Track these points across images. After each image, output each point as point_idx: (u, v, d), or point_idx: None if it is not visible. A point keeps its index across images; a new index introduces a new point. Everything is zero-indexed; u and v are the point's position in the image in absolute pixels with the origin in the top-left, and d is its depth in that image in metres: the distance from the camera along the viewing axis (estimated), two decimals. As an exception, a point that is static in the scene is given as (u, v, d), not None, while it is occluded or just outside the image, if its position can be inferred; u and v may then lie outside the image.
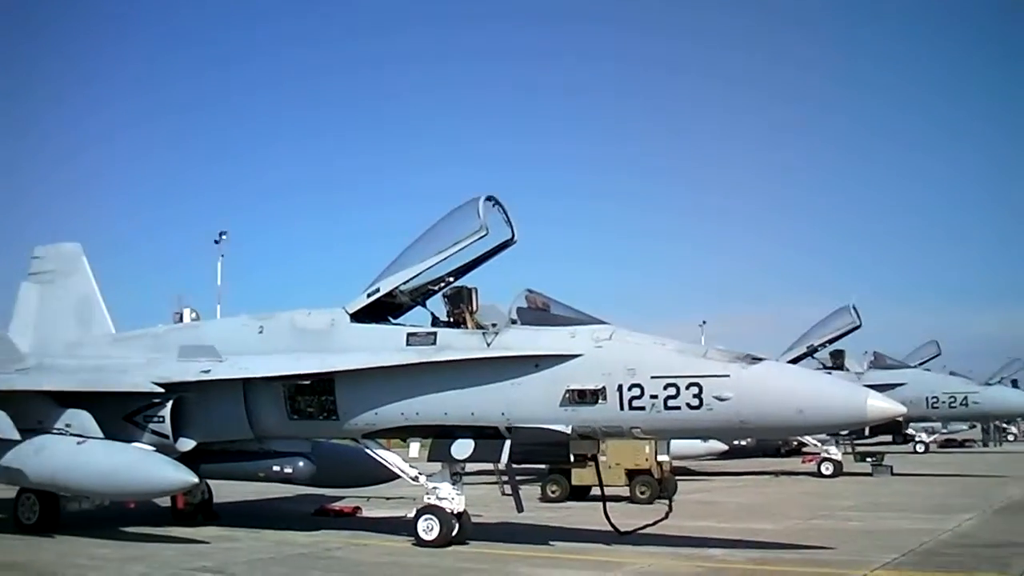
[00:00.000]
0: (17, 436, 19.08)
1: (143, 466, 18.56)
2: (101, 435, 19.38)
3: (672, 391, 15.98)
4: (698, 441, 33.88)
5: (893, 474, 39.96)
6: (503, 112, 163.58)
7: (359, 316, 19.02)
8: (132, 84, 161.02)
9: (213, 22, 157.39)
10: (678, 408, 15.96)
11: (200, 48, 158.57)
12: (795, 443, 48.29)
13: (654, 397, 16.09)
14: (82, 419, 19.61)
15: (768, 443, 48.15)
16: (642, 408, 16.21)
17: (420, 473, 18.70)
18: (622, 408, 16.36)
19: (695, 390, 15.83)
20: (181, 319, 23.92)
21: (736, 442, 39.32)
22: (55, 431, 19.70)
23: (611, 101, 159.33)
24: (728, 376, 15.72)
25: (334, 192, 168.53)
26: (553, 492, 29.42)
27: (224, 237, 53.25)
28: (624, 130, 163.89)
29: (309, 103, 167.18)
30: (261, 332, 20.16)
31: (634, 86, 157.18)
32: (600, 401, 16.46)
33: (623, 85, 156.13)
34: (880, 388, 23.36)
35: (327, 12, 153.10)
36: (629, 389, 16.28)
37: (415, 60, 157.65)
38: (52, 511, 20.29)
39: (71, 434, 19.53)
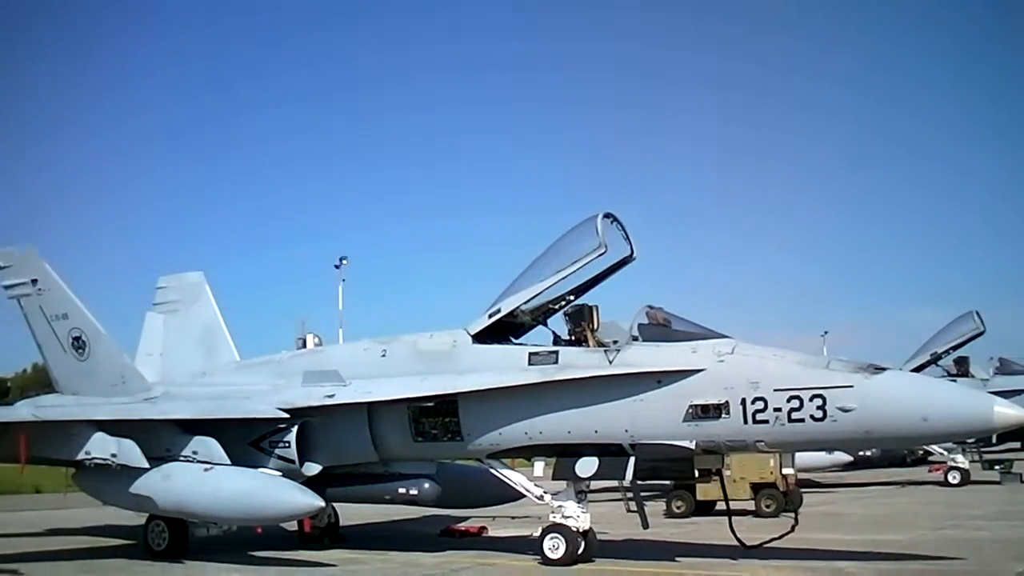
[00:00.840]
0: (146, 464, 19.97)
1: (270, 491, 19.40)
2: (228, 461, 20.25)
3: (796, 403, 16.42)
4: (822, 453, 34.16)
5: (1022, 482, 39.56)
6: (624, 130, 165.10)
7: (481, 337, 19.68)
8: (252, 114, 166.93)
9: (341, 43, 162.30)
10: (802, 420, 16.40)
11: (318, 73, 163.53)
12: (921, 452, 47.78)
13: (778, 410, 16.55)
14: (209, 446, 20.47)
15: (893, 453, 47.82)
16: (766, 421, 16.68)
17: (545, 492, 19.22)
18: (746, 422, 16.83)
19: (819, 402, 16.26)
20: (304, 344, 24.72)
21: (861, 453, 39.26)
22: (182, 458, 20.59)
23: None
24: (851, 387, 16.10)
25: (451, 215, 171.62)
26: (678, 508, 29.95)
27: (344, 262, 54.52)
28: (742, 136, 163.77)
29: (430, 127, 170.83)
30: (384, 355, 20.88)
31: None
32: (723, 415, 16.96)
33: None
34: (1007, 395, 23.37)
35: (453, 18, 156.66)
36: (752, 403, 16.74)
37: (534, 68, 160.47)
38: (181, 537, 21.18)
39: (198, 461, 20.40)
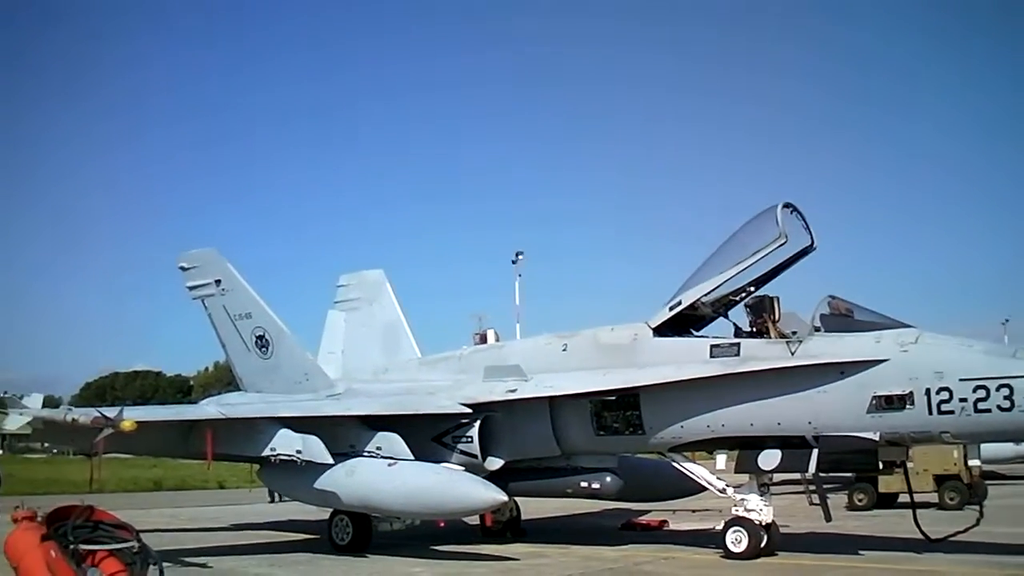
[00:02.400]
0: (330, 460, 20.84)
1: (453, 486, 20.33)
2: (411, 456, 21.24)
3: (982, 393, 16.98)
4: (1009, 444, 34.05)
5: None
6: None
7: (662, 330, 20.60)
8: (423, 111, 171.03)
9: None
10: (988, 411, 16.95)
11: (489, 66, 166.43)
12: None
13: (963, 400, 17.13)
14: (392, 441, 21.54)
15: None
16: (951, 412, 17.26)
17: (727, 485, 20.21)
18: (931, 412, 17.42)
19: (1005, 391, 16.82)
20: (484, 340, 25.57)
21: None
22: (366, 454, 21.67)
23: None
24: None
25: (629, 208, 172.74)
26: (860, 500, 30.60)
27: (521, 257, 55.46)
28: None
29: (611, 118, 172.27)
30: (565, 350, 21.92)
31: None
32: (908, 406, 17.57)
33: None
34: None
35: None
36: (937, 393, 17.33)
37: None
38: (364, 532, 22.36)
39: (382, 456, 21.46)
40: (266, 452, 21.38)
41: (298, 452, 20.96)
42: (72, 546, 11.39)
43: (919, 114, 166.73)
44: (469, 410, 22.02)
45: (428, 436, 22.22)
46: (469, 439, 21.95)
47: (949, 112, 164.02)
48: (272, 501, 38.95)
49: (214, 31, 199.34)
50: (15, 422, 20.26)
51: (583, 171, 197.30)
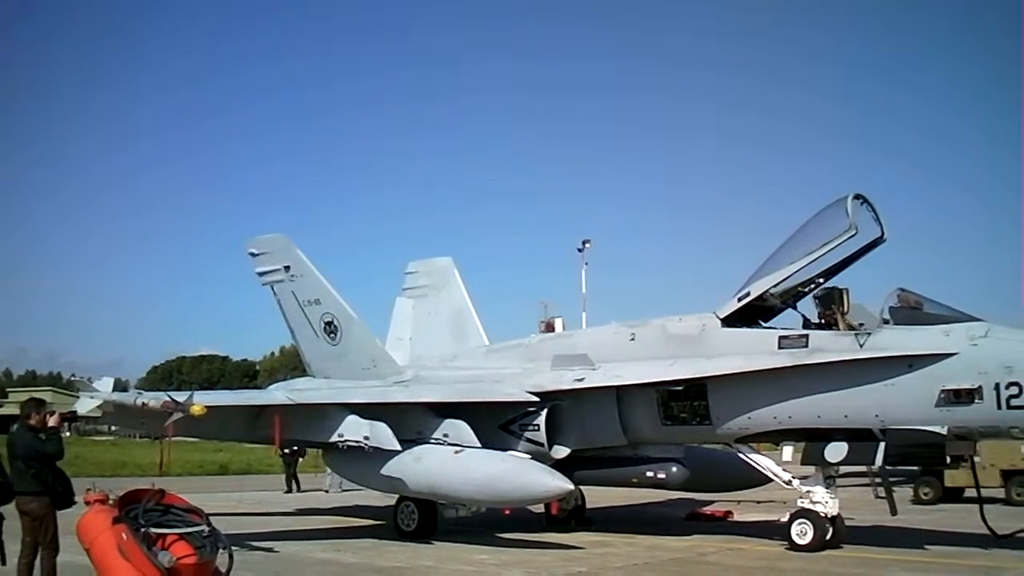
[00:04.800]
0: (398, 446, 21.16)
1: (520, 474, 20.56)
2: (478, 444, 21.52)
3: None
4: None
5: None
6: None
7: (730, 320, 20.78)
8: (491, 100, 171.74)
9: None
10: None
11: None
12: None
13: None
14: (459, 429, 21.84)
15: None
16: (1021, 407, 17.32)
17: (793, 476, 20.37)
18: (1000, 407, 17.48)
19: None
20: (551, 328, 26.00)
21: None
22: (433, 441, 21.96)
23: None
24: None
25: (694, 197, 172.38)
26: (926, 494, 30.68)
27: (587, 245, 55.53)
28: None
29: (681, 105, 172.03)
30: (633, 339, 22.12)
31: None
32: (976, 401, 17.62)
33: None
34: None
35: None
36: (1007, 388, 17.39)
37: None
38: (430, 518, 22.68)
39: (448, 443, 21.76)
40: (334, 438, 21.78)
41: (366, 438, 21.31)
42: (143, 529, 11.64)
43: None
44: (536, 398, 22.20)
45: (495, 424, 22.45)
46: (536, 427, 22.14)
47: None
48: (288, 491, 39.41)
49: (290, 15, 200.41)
50: (86, 405, 20.85)
51: (652, 159, 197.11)
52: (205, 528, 12.13)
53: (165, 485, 13.32)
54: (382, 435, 21.24)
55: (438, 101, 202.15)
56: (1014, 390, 17.34)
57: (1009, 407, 17.41)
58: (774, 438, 21.06)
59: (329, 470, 34.42)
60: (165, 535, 11.77)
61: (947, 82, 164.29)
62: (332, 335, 28.24)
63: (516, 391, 22.53)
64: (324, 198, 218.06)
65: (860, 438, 18.98)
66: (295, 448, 35.27)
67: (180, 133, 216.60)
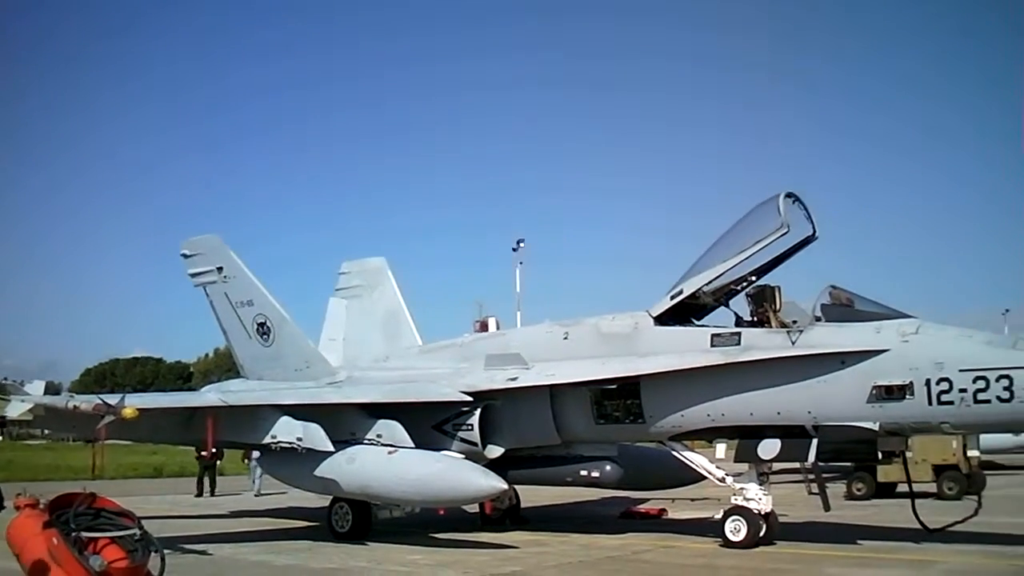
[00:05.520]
0: (331, 447, 20.96)
1: (454, 474, 20.34)
2: (411, 444, 21.31)
3: (982, 384, 17.03)
4: (1008, 434, 34.45)
5: None
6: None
7: (663, 319, 20.64)
8: (424, 101, 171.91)
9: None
10: (988, 401, 17.00)
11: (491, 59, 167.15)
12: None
13: (963, 391, 17.18)
14: (393, 429, 21.62)
15: None
16: (951, 403, 17.31)
17: (726, 474, 20.24)
18: (930, 403, 17.47)
19: (1005, 382, 16.85)
20: (484, 328, 25.78)
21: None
22: (367, 442, 21.73)
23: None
24: None
25: (630, 197, 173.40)
26: (859, 490, 30.95)
27: (522, 245, 55.54)
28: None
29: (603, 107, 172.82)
30: (566, 338, 21.95)
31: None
32: (908, 396, 17.60)
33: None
34: None
35: None
36: (937, 383, 17.38)
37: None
38: (364, 519, 22.44)
39: (382, 444, 21.52)
40: (267, 440, 21.60)
41: (299, 440, 21.17)
42: (74, 533, 11.33)
43: (916, 108, 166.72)
44: (470, 398, 22.07)
45: (429, 424, 22.28)
46: (469, 427, 22.02)
47: (947, 105, 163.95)
48: (199, 495, 38.88)
49: (219, 28, 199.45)
50: (17, 408, 20.41)
51: (583, 160, 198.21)
52: (137, 531, 11.78)
53: (99, 489, 13.02)
54: (315, 436, 21.13)
55: (371, 103, 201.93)
56: (944, 386, 17.34)
57: (939, 402, 17.41)
58: (707, 436, 20.87)
59: (251, 472, 34.25)
60: (96, 539, 11.43)
61: (946, 82, 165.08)
62: (265, 336, 27.98)
63: (449, 391, 22.35)
64: (257, 198, 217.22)
65: (793, 435, 18.91)
66: (214, 451, 34.68)
67: (112, 133, 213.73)
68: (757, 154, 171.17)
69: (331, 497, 22.80)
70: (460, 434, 22.17)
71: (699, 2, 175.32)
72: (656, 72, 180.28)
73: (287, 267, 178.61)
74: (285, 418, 21.55)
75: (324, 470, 21.47)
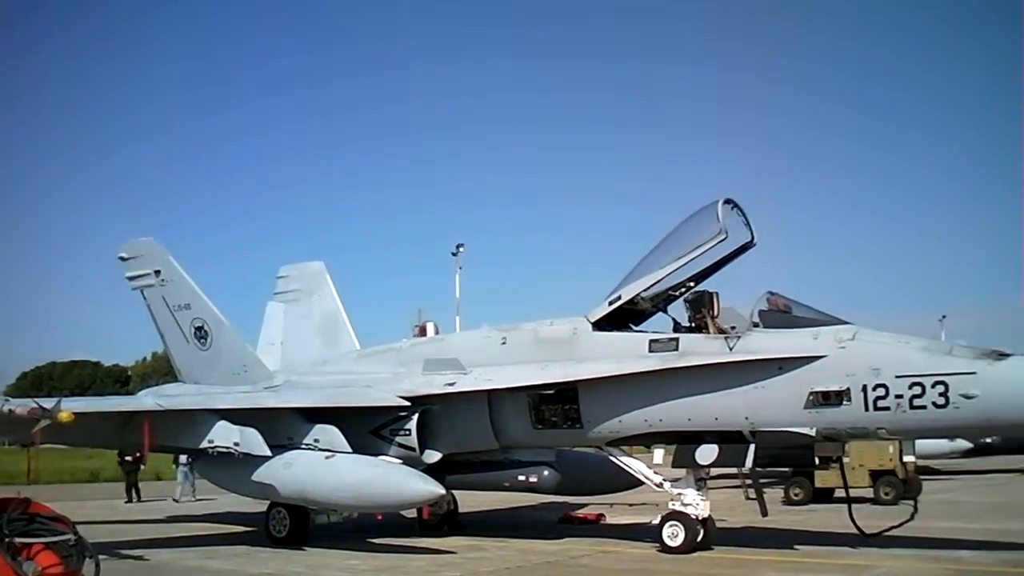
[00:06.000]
0: (268, 452, 21.04)
1: (391, 479, 20.35)
2: (349, 449, 21.30)
3: (918, 390, 16.99)
4: (943, 440, 34.91)
5: None
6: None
7: (601, 324, 20.54)
8: (369, 105, 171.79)
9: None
10: (924, 407, 16.96)
11: (431, 63, 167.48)
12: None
13: (899, 397, 17.13)
14: (330, 434, 21.57)
15: (1015, 440, 47.67)
16: (887, 408, 17.27)
17: (664, 479, 20.13)
18: (867, 409, 17.43)
19: (941, 388, 16.80)
20: (423, 332, 25.53)
21: (982, 440, 39.59)
22: (304, 446, 21.70)
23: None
24: (974, 373, 16.61)
25: (569, 200, 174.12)
26: (796, 495, 31.05)
27: (461, 249, 55.51)
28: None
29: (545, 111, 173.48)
30: (504, 343, 21.85)
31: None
32: (845, 402, 17.56)
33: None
34: None
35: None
36: (874, 389, 17.34)
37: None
38: (302, 524, 22.25)
39: (320, 449, 21.49)
40: (204, 444, 21.58)
41: (236, 444, 21.26)
42: (7, 539, 11.20)
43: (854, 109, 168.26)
44: (407, 403, 21.95)
45: (366, 429, 22.17)
46: (407, 432, 21.88)
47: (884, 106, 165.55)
48: (128, 501, 38.39)
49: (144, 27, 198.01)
50: (-50, 413, 20.00)
51: (526, 165, 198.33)
52: (72, 537, 11.66)
53: (34, 494, 12.88)
54: (252, 441, 21.17)
55: (310, 103, 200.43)
56: (880, 391, 17.30)
57: (876, 408, 17.36)
58: (645, 441, 20.54)
59: (179, 479, 33.78)
60: (30, 545, 11.30)
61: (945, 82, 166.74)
62: (202, 340, 27.80)
63: (387, 396, 22.22)
64: (195, 202, 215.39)
65: (731, 440, 18.84)
66: (138, 455, 34.15)
67: (48, 136, 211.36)
68: (701, 154, 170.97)
69: (268, 502, 22.57)
70: (398, 439, 22.02)
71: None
72: (599, 72, 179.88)
73: (226, 271, 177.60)
74: (222, 422, 21.49)
75: (261, 475, 21.32)
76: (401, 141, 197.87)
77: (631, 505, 27.91)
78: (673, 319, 20.42)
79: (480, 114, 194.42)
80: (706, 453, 18.97)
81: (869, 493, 29.75)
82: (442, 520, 24.57)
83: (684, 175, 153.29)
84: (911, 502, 21.19)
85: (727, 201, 19.40)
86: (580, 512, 26.80)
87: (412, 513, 24.41)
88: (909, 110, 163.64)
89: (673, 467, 19.86)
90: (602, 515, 26.40)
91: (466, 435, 21.90)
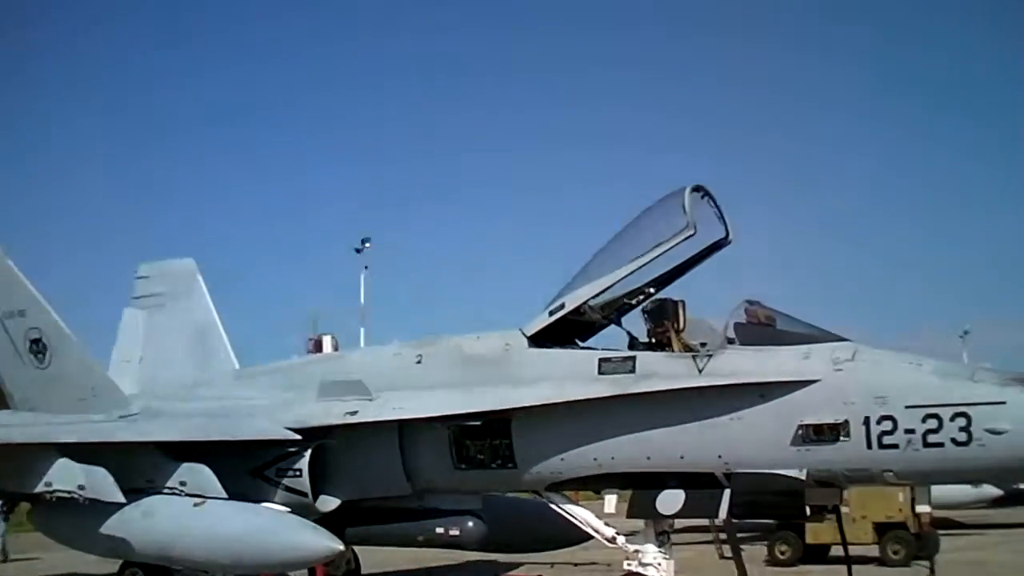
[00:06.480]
0: (121, 498, 20.69)
1: (276, 531, 20.21)
2: (224, 494, 21.03)
3: (933, 423, 16.67)
4: (966, 486, 34.36)
5: None
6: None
7: (540, 339, 20.29)
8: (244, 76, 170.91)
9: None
10: (941, 445, 16.64)
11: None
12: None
13: (910, 432, 16.82)
14: (200, 475, 21.31)
15: None
16: (895, 446, 16.96)
17: (618, 532, 19.86)
18: (870, 446, 17.13)
19: (962, 422, 16.50)
20: (319, 348, 25.45)
21: (1014, 485, 39.53)
22: (167, 491, 21.44)
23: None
24: (1003, 403, 16.37)
25: (505, 184, 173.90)
26: (783, 553, 31.19)
27: (367, 245, 54.99)
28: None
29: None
30: (419, 362, 21.62)
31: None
32: (842, 438, 17.24)
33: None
34: None
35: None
36: (878, 422, 17.03)
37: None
38: None
39: (187, 494, 21.21)
40: (40, 488, 21.20)
41: (80, 488, 20.81)
42: None
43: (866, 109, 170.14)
44: (298, 436, 21.54)
45: (246, 468, 21.93)
46: (297, 473, 21.53)
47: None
48: (4, 560, 37.93)
49: None
50: None
51: (450, 144, 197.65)
52: None
53: None
54: (101, 484, 20.76)
55: (174, 85, 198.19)
56: (887, 425, 17.00)
57: (881, 445, 17.07)
58: (594, 484, 20.31)
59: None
60: None
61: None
62: (40, 356, 27.01)
63: (272, 427, 21.86)
64: (36, 193, 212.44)
65: (700, 485, 18.59)
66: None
67: None
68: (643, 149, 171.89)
69: (121, 562, 22.56)
70: (285, 481, 21.70)
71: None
72: (517, 63, 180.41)
73: (72, 270, 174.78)
74: (63, 460, 21.13)
75: (113, 527, 21.08)
76: (280, 114, 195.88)
77: (577, 565, 28.13)
78: (629, 333, 20.33)
79: (399, 83, 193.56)
80: (669, 500, 18.76)
81: (874, 551, 29.95)
82: (341, 583, 24.15)
83: (654, 151, 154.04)
84: (926, 563, 21.37)
85: (696, 189, 19.23)
86: (515, 572, 26.79)
87: (303, 574, 24.15)
88: (931, 111, 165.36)
89: (629, 517, 19.58)
90: (541, 576, 26.28)
91: (371, 477, 21.58)
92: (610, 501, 20.06)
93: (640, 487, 19.24)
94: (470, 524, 21.42)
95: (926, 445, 16.75)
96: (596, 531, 20.25)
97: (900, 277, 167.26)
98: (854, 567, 20.96)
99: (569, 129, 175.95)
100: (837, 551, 24.28)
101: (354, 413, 21.38)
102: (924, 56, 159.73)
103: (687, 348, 18.90)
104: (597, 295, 19.96)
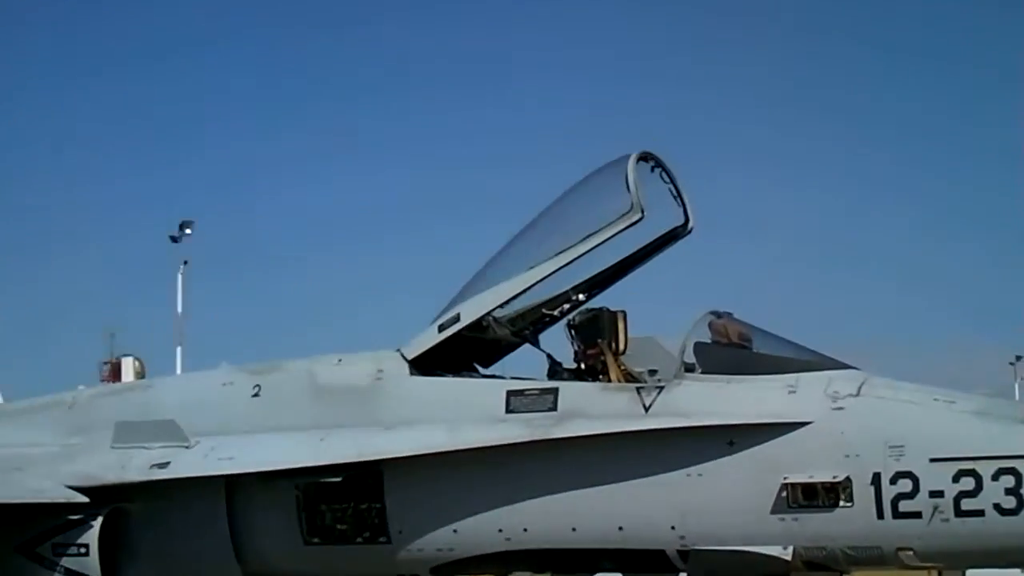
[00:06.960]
0: None
1: None
2: None
3: (969, 483, 15.66)
4: (1013, 570, 33.92)
5: None
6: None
7: (426, 364, 19.21)
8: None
9: None
10: (980, 513, 15.65)
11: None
12: None
13: (937, 495, 15.77)
14: None
15: None
16: (916, 514, 15.91)
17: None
18: (881, 515, 16.09)
19: (1009, 481, 15.54)
20: (117, 375, 24.22)
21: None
22: None
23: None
24: None
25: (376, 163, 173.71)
26: (762, 664, 29.93)
27: (187, 232, 53.37)
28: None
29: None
30: (257, 395, 20.49)
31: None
32: (842, 503, 16.25)
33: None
34: None
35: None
36: (893, 482, 16.00)
37: None
38: None
39: None
40: None
41: None
42: None
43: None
44: (84, 498, 20.29)
45: (10, 544, 20.89)
46: (82, 550, 20.31)
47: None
48: None
49: None
50: None
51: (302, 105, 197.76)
52: None
53: None
54: None
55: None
56: (905, 485, 15.95)
57: (897, 514, 16.02)
58: (499, 566, 19.42)
59: None
60: None
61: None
62: None
63: (48, 486, 20.65)
64: None
65: (647, 567, 17.82)
66: None
67: None
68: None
69: None
70: (65, 562, 20.59)
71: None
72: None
73: None
74: None
75: None
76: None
77: None
78: (549, 357, 19.46)
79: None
80: None
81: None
82: None
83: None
84: None
85: (645, 157, 18.21)
86: None
87: None
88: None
89: (548, 613, 18.84)
90: None
91: (188, 554, 20.58)
92: (522, 590, 19.06)
93: (563, 571, 18.67)
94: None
95: (959, 514, 15.82)
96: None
97: (938, 292, 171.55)
98: None
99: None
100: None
101: (164, 466, 20.34)
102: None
103: (629, 377, 18.06)
104: (505, 303, 19.10)
